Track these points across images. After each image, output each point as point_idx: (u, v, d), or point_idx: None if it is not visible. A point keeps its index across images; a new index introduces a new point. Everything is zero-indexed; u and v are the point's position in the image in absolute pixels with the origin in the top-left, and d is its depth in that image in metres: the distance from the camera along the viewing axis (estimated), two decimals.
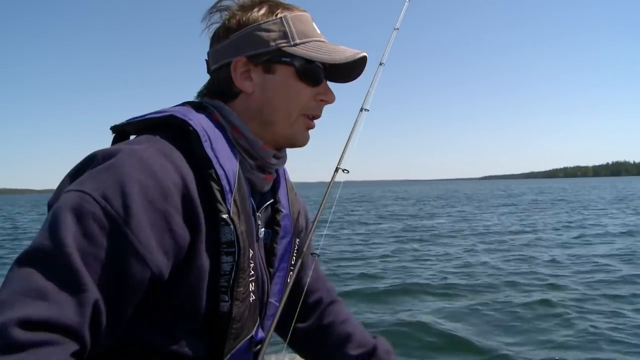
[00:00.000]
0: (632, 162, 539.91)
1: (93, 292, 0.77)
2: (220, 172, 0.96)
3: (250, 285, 1.02)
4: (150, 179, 0.87)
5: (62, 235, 0.77)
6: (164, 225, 0.87)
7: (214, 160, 0.96)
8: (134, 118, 1.03)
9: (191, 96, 1.16)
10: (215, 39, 1.12)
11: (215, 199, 0.94)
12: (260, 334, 1.12)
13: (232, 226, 0.95)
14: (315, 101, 1.10)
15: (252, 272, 1.02)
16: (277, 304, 1.17)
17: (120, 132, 1.04)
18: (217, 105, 1.08)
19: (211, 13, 1.13)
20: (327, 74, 1.13)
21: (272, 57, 1.06)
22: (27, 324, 0.69)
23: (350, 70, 1.15)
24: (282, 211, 1.18)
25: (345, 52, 1.08)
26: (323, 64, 1.08)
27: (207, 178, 0.95)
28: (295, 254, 1.22)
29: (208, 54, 1.14)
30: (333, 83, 1.18)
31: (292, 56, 1.05)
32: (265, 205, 1.15)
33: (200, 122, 0.99)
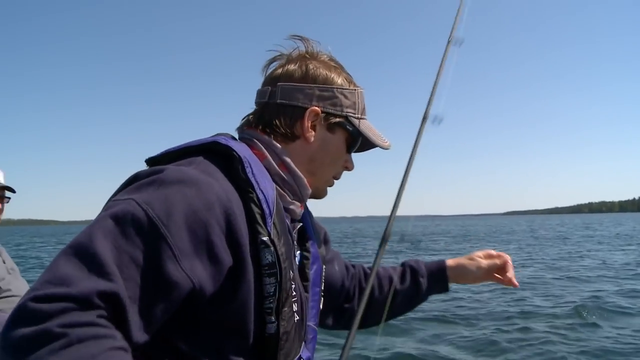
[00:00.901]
0: None
1: (117, 284, 0.76)
2: (261, 196, 0.99)
3: (294, 305, 1.04)
4: (194, 191, 0.89)
5: (97, 232, 0.79)
6: (205, 236, 0.88)
7: (256, 185, 0.99)
8: (170, 149, 1.04)
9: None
10: (291, 75, 1.16)
11: (256, 221, 0.97)
12: (307, 353, 1.15)
13: (272, 248, 0.97)
14: (341, 167, 1.24)
15: (295, 293, 1.05)
16: (315, 327, 1.24)
17: (156, 164, 1.02)
18: (266, 141, 1.13)
19: (298, 55, 1.20)
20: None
21: (340, 122, 1.17)
22: (44, 299, 0.71)
23: (364, 149, 1.29)
24: (310, 238, 1.25)
25: (381, 139, 1.25)
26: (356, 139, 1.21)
27: (248, 201, 0.97)
28: (323, 279, 1.29)
29: (273, 83, 1.16)
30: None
31: (354, 127, 1.18)
32: (297, 227, 1.20)
33: (241, 149, 1.03)
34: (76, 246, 0.79)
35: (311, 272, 1.21)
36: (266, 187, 1.02)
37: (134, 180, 0.92)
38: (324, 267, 1.31)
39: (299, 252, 1.20)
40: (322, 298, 1.28)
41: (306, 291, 1.17)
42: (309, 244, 1.24)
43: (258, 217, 0.97)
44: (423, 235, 42.37)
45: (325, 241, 1.42)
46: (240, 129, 1.20)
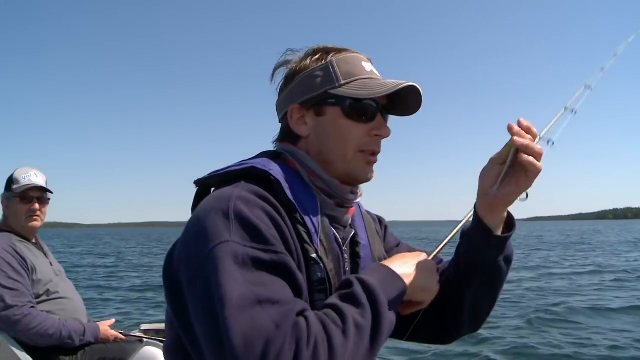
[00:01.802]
0: None
1: (295, 303, 0.88)
2: (305, 215, 1.03)
3: None
4: (261, 211, 0.95)
5: (236, 281, 0.85)
6: (286, 246, 0.96)
7: (298, 205, 1.03)
8: (215, 171, 1.10)
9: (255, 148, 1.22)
10: (280, 91, 1.21)
11: (304, 240, 1.01)
12: None
13: (321, 264, 1.02)
14: (369, 137, 1.13)
15: None
16: None
17: (203, 185, 1.11)
18: (291, 151, 1.16)
19: (277, 69, 1.21)
20: (382, 108, 1.15)
21: (320, 101, 1.12)
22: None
23: (409, 102, 1.17)
24: (360, 242, 1.21)
25: (388, 84, 1.10)
26: (376, 100, 1.12)
27: (293, 221, 1.02)
28: None
29: (276, 105, 1.23)
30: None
31: (337, 97, 1.11)
32: (349, 238, 1.19)
33: (279, 171, 1.06)
34: (239, 299, 0.84)
35: None
36: (309, 204, 1.07)
37: (206, 217, 0.95)
38: None
39: (348, 261, 1.18)
40: None
41: None
42: (359, 248, 1.21)
43: (305, 235, 1.02)
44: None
45: (385, 235, 1.41)
46: (276, 143, 1.24)
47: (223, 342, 0.82)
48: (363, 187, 1.23)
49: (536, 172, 1.03)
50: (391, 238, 1.41)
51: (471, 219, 1.16)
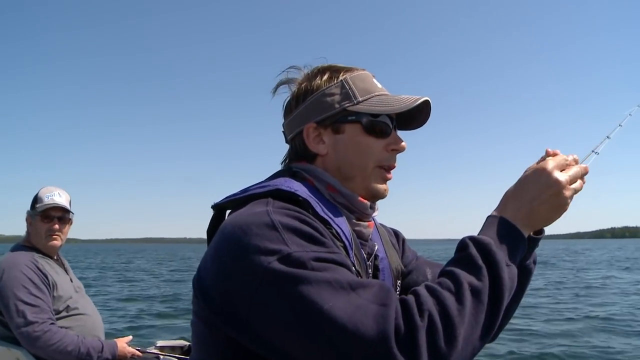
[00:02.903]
0: None
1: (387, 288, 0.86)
2: (339, 230, 1.03)
3: None
4: (302, 218, 0.95)
5: (325, 309, 0.80)
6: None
7: (331, 221, 1.02)
8: (234, 195, 1.09)
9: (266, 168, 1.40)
10: (288, 110, 1.20)
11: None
12: None
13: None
14: (387, 152, 1.14)
15: None
16: None
17: (221, 209, 1.10)
18: (309, 170, 1.15)
19: (279, 86, 1.21)
20: (395, 124, 1.17)
21: (339, 119, 1.13)
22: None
23: (417, 116, 1.19)
24: (379, 255, 1.20)
25: (405, 100, 1.12)
26: (390, 115, 1.13)
27: (332, 236, 0.99)
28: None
29: (283, 125, 1.22)
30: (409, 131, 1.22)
31: (357, 114, 1.12)
32: (374, 253, 1.18)
33: (304, 190, 1.06)
34: (331, 291, 0.83)
35: None
36: (340, 221, 1.06)
37: (244, 235, 0.91)
38: (399, 282, 1.26)
39: (371, 273, 1.17)
40: None
41: None
42: (378, 261, 1.20)
43: (342, 250, 1.01)
44: None
45: (403, 249, 1.41)
46: (288, 163, 1.22)
47: (330, 335, 0.80)
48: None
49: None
50: (409, 252, 1.41)
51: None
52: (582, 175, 1.05)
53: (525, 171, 1.04)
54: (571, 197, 1.01)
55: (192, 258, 51.76)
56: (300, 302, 0.83)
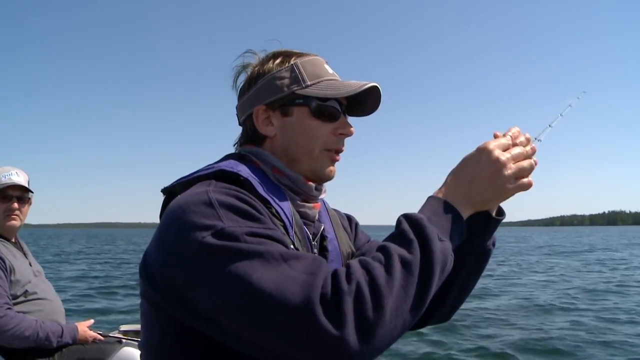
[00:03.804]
0: (628, 212, 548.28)
1: (322, 262, 0.89)
2: (279, 209, 1.06)
3: None
4: (242, 196, 0.98)
5: (245, 277, 0.83)
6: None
7: (272, 201, 1.06)
8: (182, 178, 1.11)
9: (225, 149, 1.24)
10: (241, 93, 1.23)
11: (282, 233, 1.01)
12: None
13: None
14: (335, 136, 1.17)
15: None
16: None
17: (171, 193, 1.10)
18: (255, 152, 1.18)
19: (238, 74, 1.24)
20: (345, 109, 1.20)
21: (287, 101, 1.15)
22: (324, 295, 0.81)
23: (368, 102, 1.22)
24: (327, 236, 1.23)
25: (352, 85, 1.14)
26: (339, 100, 1.17)
27: (271, 215, 1.03)
28: None
29: (236, 107, 1.25)
30: (359, 118, 1.26)
31: (305, 97, 1.14)
32: (319, 233, 1.21)
33: (247, 171, 1.09)
34: (261, 262, 0.85)
35: None
36: (281, 200, 1.09)
37: (184, 213, 0.93)
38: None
39: (316, 253, 1.18)
40: None
41: None
42: (326, 242, 1.22)
43: (281, 228, 1.04)
44: None
45: (356, 232, 1.42)
46: (238, 147, 1.25)
47: (259, 304, 0.81)
48: (328, 186, 1.26)
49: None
50: (362, 235, 1.43)
51: None
52: (527, 157, 1.07)
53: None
54: (514, 177, 1.03)
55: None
56: (231, 274, 0.85)
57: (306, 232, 1.14)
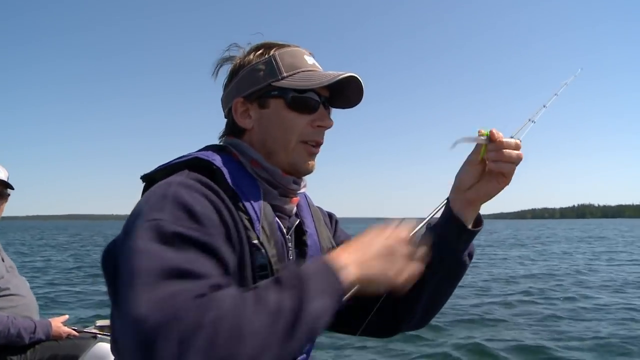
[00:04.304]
0: (597, 205, 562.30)
1: (218, 278, 0.85)
2: (246, 203, 1.06)
3: None
4: (200, 195, 0.97)
5: (151, 254, 0.83)
6: (221, 236, 0.96)
7: (240, 193, 1.06)
8: (161, 166, 1.11)
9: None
10: (225, 86, 1.23)
11: (246, 226, 1.03)
12: (300, 355, 1.15)
13: (263, 250, 1.03)
14: (312, 127, 1.15)
15: None
16: None
17: (150, 180, 1.10)
18: (234, 144, 1.18)
19: (221, 64, 1.24)
20: (325, 100, 1.18)
21: (264, 93, 1.15)
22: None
23: (349, 94, 1.20)
24: (307, 231, 1.22)
25: (329, 76, 1.12)
26: (318, 91, 1.15)
27: (236, 208, 1.03)
28: None
29: (221, 100, 1.25)
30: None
31: (280, 89, 1.13)
32: (294, 227, 1.20)
33: (222, 161, 1.09)
34: (146, 274, 0.81)
35: None
36: (251, 192, 1.09)
37: (146, 201, 0.95)
38: None
39: (292, 249, 1.18)
40: None
41: None
42: (306, 237, 1.22)
43: (246, 222, 1.04)
44: None
45: (335, 229, 1.41)
46: (222, 138, 1.25)
47: (125, 313, 0.78)
48: (310, 180, 1.25)
49: (515, 164, 1.10)
50: (341, 233, 1.42)
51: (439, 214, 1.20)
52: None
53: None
54: (396, 272, 0.99)
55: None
56: (132, 269, 0.83)
57: (279, 226, 1.13)
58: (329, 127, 1.19)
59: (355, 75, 1.15)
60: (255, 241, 1.03)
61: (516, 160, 1.11)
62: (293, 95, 1.14)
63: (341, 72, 1.13)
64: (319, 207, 1.40)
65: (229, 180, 1.06)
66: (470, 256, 1.22)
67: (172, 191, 0.96)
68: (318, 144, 1.19)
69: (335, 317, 1.18)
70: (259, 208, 1.08)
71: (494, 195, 1.16)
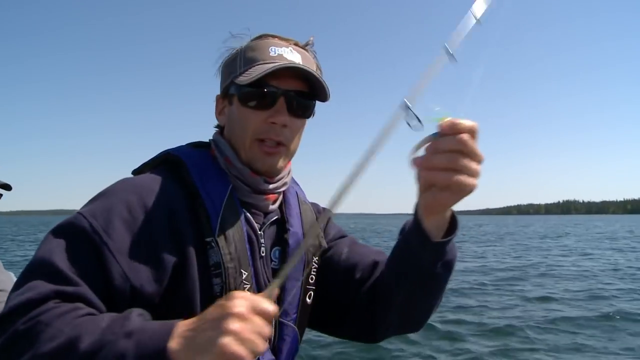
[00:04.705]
0: (581, 201, 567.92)
1: (77, 287, 0.86)
2: (206, 198, 1.04)
3: None
4: (136, 197, 0.98)
5: (53, 246, 0.90)
6: (146, 239, 0.96)
7: (201, 188, 1.05)
8: (148, 161, 1.16)
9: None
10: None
11: (201, 223, 1.02)
12: (270, 356, 1.09)
13: (217, 248, 1.00)
14: (266, 124, 1.08)
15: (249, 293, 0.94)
16: (292, 324, 1.15)
17: (140, 173, 1.13)
18: (216, 140, 1.17)
19: (224, 59, 1.19)
20: (293, 94, 1.09)
21: (227, 90, 1.13)
22: (13, 309, 0.83)
23: (318, 86, 1.10)
24: (290, 230, 1.18)
25: (265, 68, 1.05)
26: (275, 85, 1.07)
27: (195, 204, 1.04)
28: (313, 272, 1.19)
29: None
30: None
31: (235, 85, 1.09)
32: (268, 223, 1.16)
33: (192, 156, 1.10)
34: (36, 262, 0.90)
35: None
36: (216, 189, 1.07)
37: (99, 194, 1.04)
38: (315, 258, 1.21)
39: (264, 247, 1.14)
40: (312, 293, 1.20)
41: (280, 287, 1.06)
42: (287, 235, 1.18)
43: (204, 218, 1.03)
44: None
45: (325, 227, 1.33)
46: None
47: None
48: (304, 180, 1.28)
49: (458, 171, 0.86)
50: (333, 230, 1.35)
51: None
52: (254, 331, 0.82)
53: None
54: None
55: None
56: (38, 252, 0.93)
57: (249, 222, 1.12)
58: (282, 124, 1.09)
59: (300, 67, 1.07)
60: (209, 239, 1.02)
61: (458, 167, 0.85)
62: (243, 90, 1.09)
63: (280, 64, 1.06)
64: (313, 203, 1.36)
65: (194, 176, 1.07)
66: (447, 265, 1.05)
67: (113, 189, 1.02)
68: (278, 142, 1.10)
69: (314, 316, 1.23)
70: (220, 205, 1.05)
71: (451, 205, 0.94)
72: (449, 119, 0.85)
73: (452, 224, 1.00)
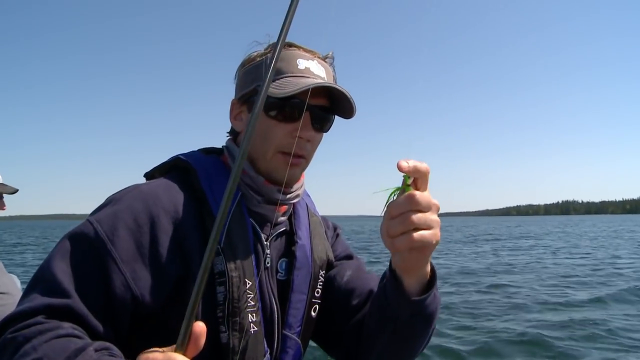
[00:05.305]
0: (581, 202, 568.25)
1: (70, 300, 0.88)
2: (214, 205, 1.03)
3: (250, 316, 1.01)
4: (142, 205, 0.99)
5: (56, 254, 0.93)
6: (150, 247, 0.97)
7: (209, 194, 1.05)
8: (159, 165, 1.17)
9: None
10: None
11: (207, 230, 1.01)
12: None
13: (222, 256, 1.00)
14: (291, 137, 1.08)
15: (252, 303, 1.02)
16: (295, 337, 1.14)
17: (151, 177, 1.16)
18: (229, 146, 1.17)
19: (243, 65, 1.18)
20: (318, 109, 1.09)
21: (250, 97, 1.11)
22: (9, 319, 0.87)
23: (345, 105, 1.10)
24: (297, 242, 1.18)
25: (299, 84, 1.04)
26: (301, 99, 1.04)
27: (203, 211, 1.04)
28: (320, 286, 1.19)
29: None
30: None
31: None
32: (275, 234, 1.16)
33: (202, 162, 1.10)
34: (40, 271, 0.94)
35: (295, 278, 1.15)
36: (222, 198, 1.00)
37: (107, 201, 1.06)
38: (322, 272, 1.21)
39: (269, 257, 1.14)
40: (317, 307, 1.20)
41: (285, 299, 1.14)
42: (295, 248, 1.17)
43: (210, 225, 1.02)
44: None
45: (334, 243, 1.34)
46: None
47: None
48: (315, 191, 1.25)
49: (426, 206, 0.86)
50: (341, 247, 1.34)
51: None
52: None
53: None
54: None
55: None
56: (49, 257, 0.95)
57: (256, 232, 1.12)
58: (308, 139, 1.10)
59: (335, 87, 1.08)
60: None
61: (414, 226, 0.85)
62: (271, 101, 1.07)
63: (312, 83, 1.05)
64: (323, 217, 1.36)
65: (203, 183, 1.06)
66: (427, 319, 1.02)
67: (123, 197, 1.02)
68: (299, 156, 1.11)
69: (315, 329, 1.22)
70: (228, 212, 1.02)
71: (423, 262, 0.95)
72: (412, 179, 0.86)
73: (433, 275, 1.00)
